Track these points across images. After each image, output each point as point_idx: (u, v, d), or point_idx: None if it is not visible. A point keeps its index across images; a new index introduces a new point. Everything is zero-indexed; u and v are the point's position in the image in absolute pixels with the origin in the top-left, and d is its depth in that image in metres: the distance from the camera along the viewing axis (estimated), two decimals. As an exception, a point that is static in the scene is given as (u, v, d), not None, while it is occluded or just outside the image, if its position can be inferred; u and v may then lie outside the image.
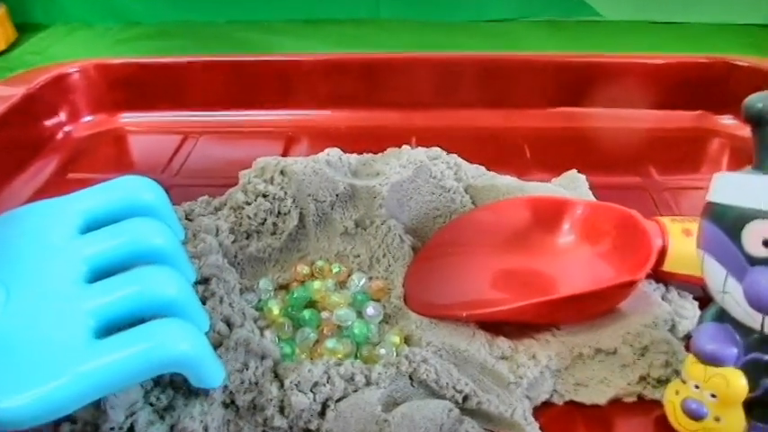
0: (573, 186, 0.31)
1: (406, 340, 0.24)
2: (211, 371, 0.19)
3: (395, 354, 0.23)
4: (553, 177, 0.33)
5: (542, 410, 0.22)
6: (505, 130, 0.39)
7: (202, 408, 0.20)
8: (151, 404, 0.20)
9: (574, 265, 0.26)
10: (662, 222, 0.25)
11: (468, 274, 0.26)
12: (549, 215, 0.27)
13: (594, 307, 0.24)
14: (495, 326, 0.24)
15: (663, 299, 0.25)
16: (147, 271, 0.20)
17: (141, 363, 0.18)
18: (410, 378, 0.22)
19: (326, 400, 0.21)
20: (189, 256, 0.24)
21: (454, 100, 0.41)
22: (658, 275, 0.25)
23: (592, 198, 0.30)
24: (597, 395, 0.23)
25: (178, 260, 0.22)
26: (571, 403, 0.23)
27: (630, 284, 0.23)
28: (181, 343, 0.18)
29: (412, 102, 0.41)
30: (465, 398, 0.22)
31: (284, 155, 0.38)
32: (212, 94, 0.41)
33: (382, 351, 0.24)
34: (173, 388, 0.21)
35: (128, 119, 0.42)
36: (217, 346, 0.22)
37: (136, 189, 0.23)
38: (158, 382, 0.21)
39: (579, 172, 0.32)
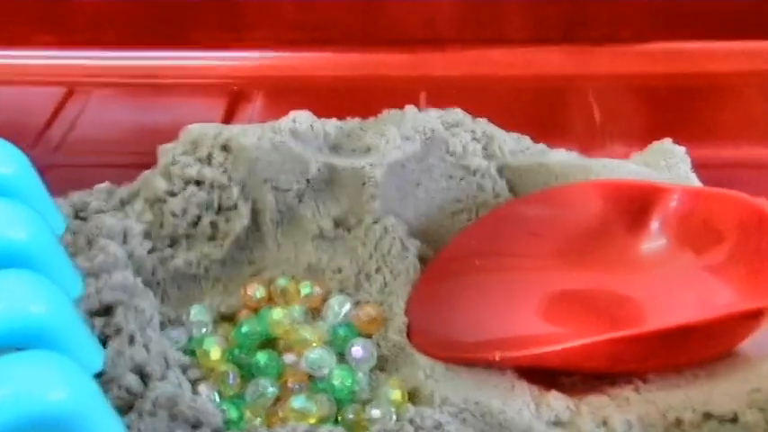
0: (666, 165, 0.32)
1: (411, 396, 0.25)
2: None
3: (394, 417, 0.24)
4: (635, 152, 0.33)
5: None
6: (564, 80, 0.39)
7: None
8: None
9: (669, 283, 0.26)
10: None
11: (505, 298, 0.26)
12: (628, 208, 0.27)
13: (701, 348, 0.24)
14: (546, 375, 0.25)
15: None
16: None
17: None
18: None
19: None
20: (82, 273, 0.25)
21: (487, 32, 0.41)
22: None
23: (696, 182, 0.31)
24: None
25: (52, 264, 0.21)
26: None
27: (758, 314, 0.24)
28: (52, 390, 0.17)
29: (422, 36, 0.41)
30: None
31: (227, 120, 0.38)
32: (113, 22, 0.41)
33: (375, 413, 0.24)
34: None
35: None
36: (125, 409, 0.22)
37: None
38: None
39: (677, 143, 0.33)
